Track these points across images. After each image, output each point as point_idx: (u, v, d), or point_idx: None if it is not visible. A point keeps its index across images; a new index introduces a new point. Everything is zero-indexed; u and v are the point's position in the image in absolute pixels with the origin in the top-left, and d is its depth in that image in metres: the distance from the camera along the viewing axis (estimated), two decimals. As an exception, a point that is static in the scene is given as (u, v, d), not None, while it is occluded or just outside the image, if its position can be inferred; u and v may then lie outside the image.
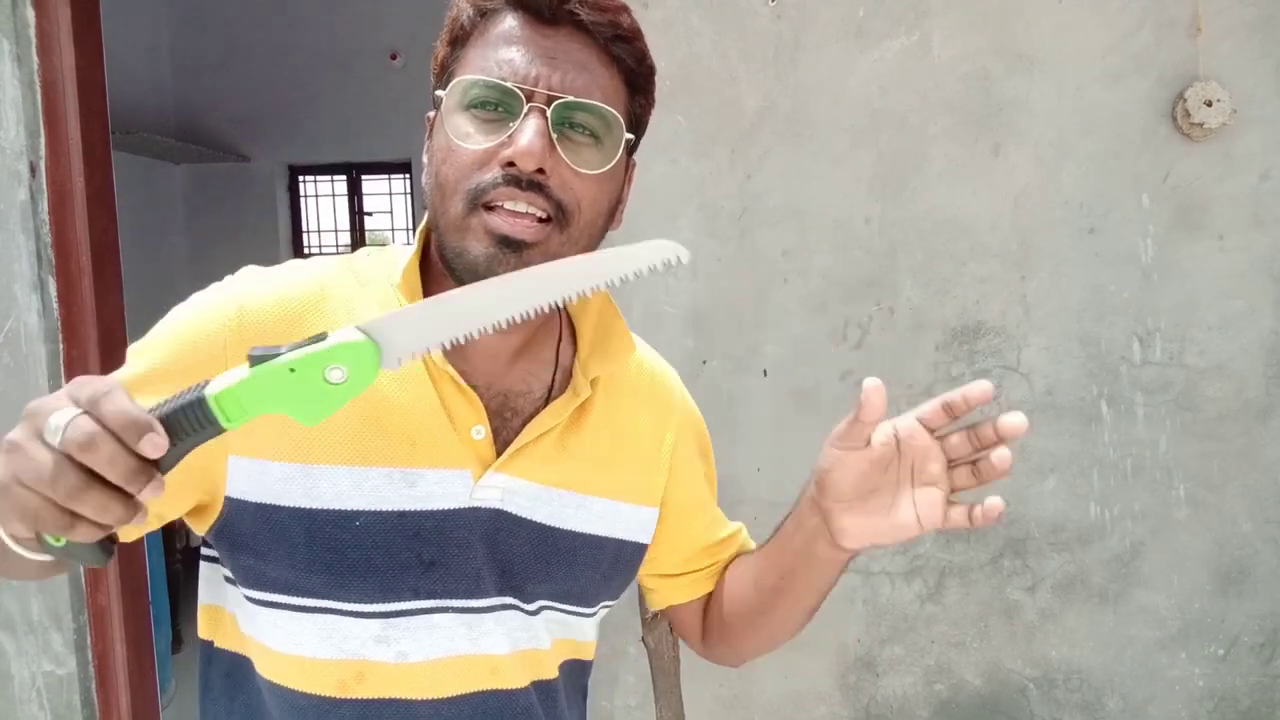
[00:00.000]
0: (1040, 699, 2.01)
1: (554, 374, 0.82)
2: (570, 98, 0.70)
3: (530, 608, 0.80)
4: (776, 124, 1.94)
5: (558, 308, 0.69)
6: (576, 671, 0.88)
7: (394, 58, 5.41)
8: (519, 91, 0.69)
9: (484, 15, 0.73)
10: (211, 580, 0.81)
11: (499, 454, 0.77)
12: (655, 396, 0.89)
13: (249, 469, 0.72)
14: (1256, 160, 1.89)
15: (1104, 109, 1.91)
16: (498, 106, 0.71)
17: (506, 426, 0.79)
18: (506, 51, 0.71)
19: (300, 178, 5.78)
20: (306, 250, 5.84)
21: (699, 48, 1.93)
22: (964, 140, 1.93)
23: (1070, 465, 1.97)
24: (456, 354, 0.76)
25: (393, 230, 5.95)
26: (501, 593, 0.78)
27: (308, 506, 0.72)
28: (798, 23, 1.92)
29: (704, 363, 1.97)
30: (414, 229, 5.91)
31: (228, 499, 0.73)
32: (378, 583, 0.73)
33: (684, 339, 1.96)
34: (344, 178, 5.81)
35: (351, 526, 0.72)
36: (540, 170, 0.69)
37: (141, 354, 0.75)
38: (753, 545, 0.96)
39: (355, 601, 0.73)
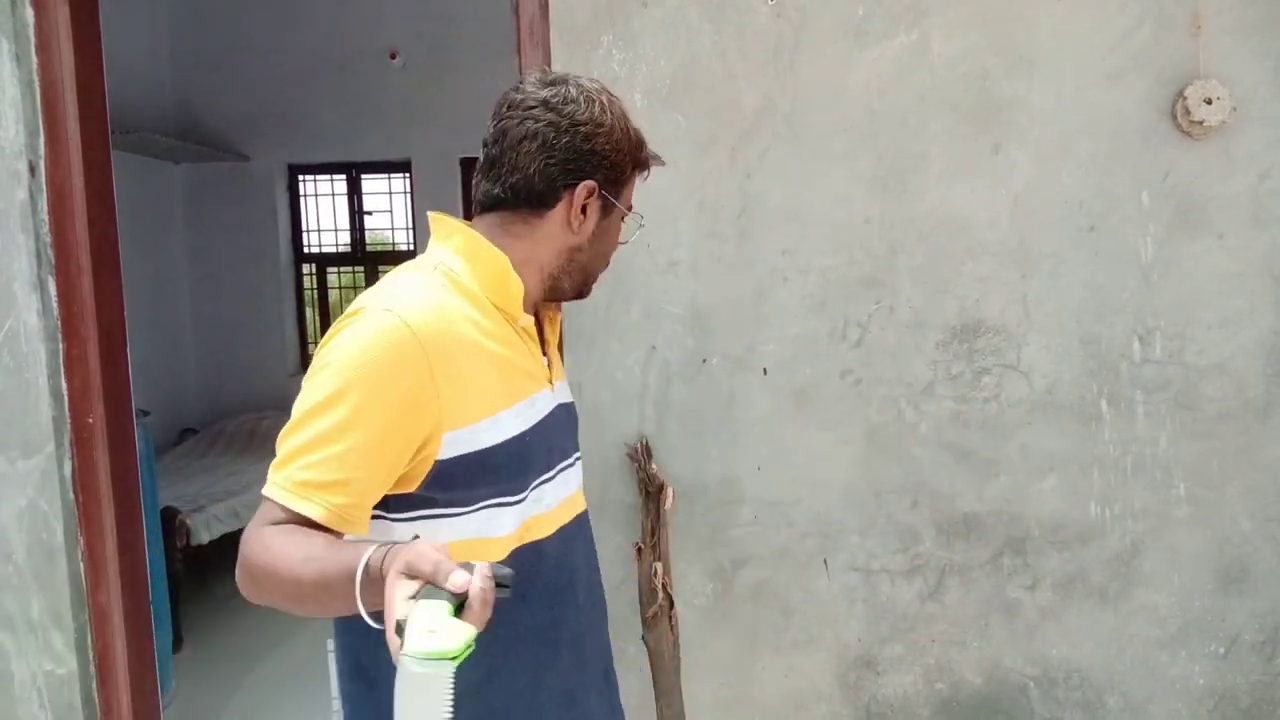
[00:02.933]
0: (1040, 698, 2.01)
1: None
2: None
3: (580, 454, 1.29)
4: (776, 124, 1.94)
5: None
6: (586, 518, 1.32)
7: (394, 57, 5.40)
8: (641, 216, 1.32)
9: (640, 165, 1.26)
10: (389, 531, 1.07)
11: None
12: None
13: (459, 436, 1.04)
14: (1256, 159, 1.89)
15: (1104, 108, 1.91)
16: (633, 222, 1.28)
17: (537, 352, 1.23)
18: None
19: (300, 177, 5.78)
20: (306, 250, 5.84)
21: (698, 47, 1.93)
22: (964, 139, 1.93)
23: (1070, 464, 1.97)
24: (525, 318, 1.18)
25: (392, 229, 5.95)
26: (575, 449, 1.28)
27: (503, 440, 1.09)
28: (797, 22, 1.92)
29: (704, 361, 1.97)
30: (413, 228, 5.84)
31: (438, 462, 1.04)
32: (540, 465, 1.15)
33: (684, 338, 1.97)
34: (344, 177, 5.81)
35: (523, 442, 1.12)
36: None
37: (353, 419, 0.99)
38: None
39: (528, 489, 1.13)
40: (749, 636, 2.04)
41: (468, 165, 5.65)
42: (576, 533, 1.24)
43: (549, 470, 1.17)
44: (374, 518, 1.05)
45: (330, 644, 3.84)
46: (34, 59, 2.01)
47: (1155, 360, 1.94)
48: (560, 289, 1.21)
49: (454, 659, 0.72)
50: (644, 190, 1.96)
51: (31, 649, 2.10)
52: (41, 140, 2.03)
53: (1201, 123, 1.85)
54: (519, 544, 1.12)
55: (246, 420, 5.31)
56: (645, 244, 1.96)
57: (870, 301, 1.96)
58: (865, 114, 1.93)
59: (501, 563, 0.91)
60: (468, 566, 0.81)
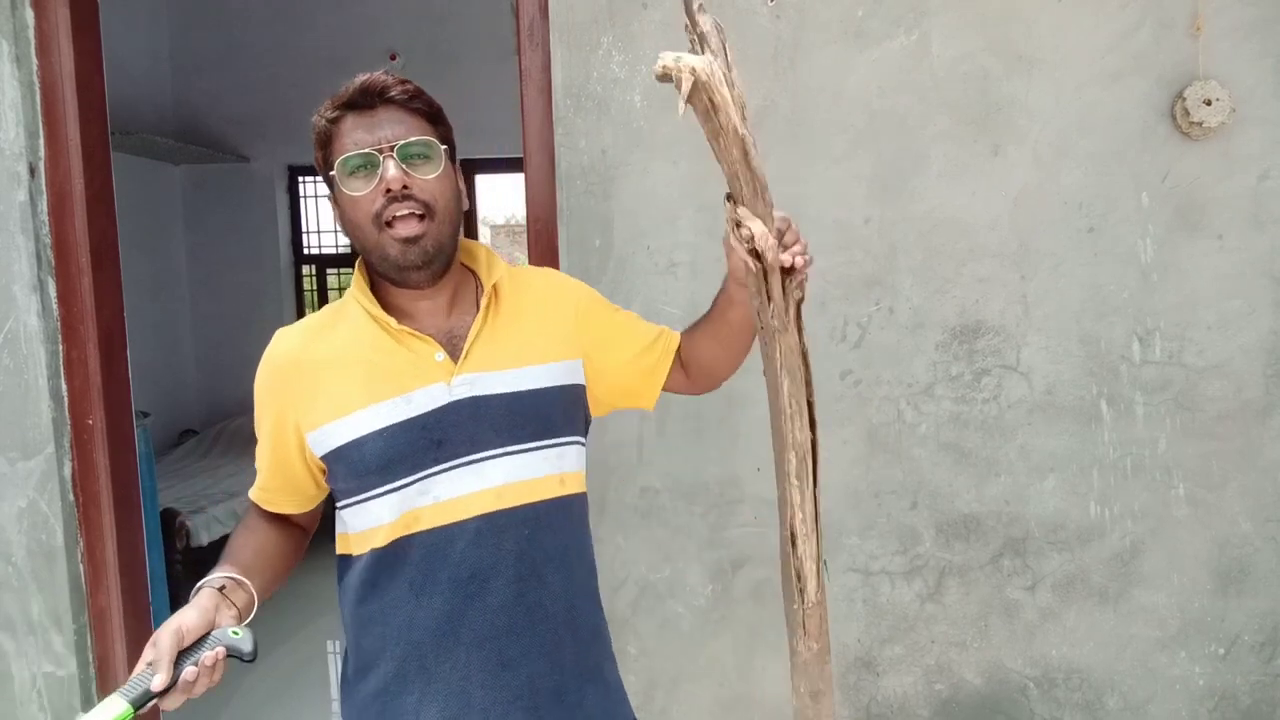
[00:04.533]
0: (1040, 698, 2.01)
1: (477, 310, 1.25)
2: (401, 141, 1.15)
3: (524, 447, 1.20)
4: (776, 124, 1.94)
5: (472, 273, 1.29)
6: (569, 501, 1.24)
7: (394, 58, 5.40)
8: (374, 151, 1.15)
9: (333, 122, 1.19)
10: (339, 518, 1.25)
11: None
12: (550, 286, 1.33)
13: (317, 436, 1.18)
14: (1256, 160, 1.89)
15: (1103, 109, 1.91)
16: (366, 166, 1.15)
17: (456, 348, 1.21)
18: (357, 135, 1.16)
19: (300, 178, 5.78)
20: (306, 250, 5.84)
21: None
22: (963, 140, 1.93)
23: (1070, 464, 1.97)
24: (406, 318, 1.21)
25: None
26: (501, 444, 1.19)
27: (358, 436, 1.16)
28: (797, 23, 1.92)
29: (704, 363, 1.97)
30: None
31: (322, 458, 1.20)
32: (411, 462, 1.16)
33: (684, 339, 1.97)
34: (344, 178, 5.81)
35: (382, 438, 1.16)
36: (405, 186, 1.15)
37: (258, 424, 1.29)
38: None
39: (403, 477, 1.16)
40: (749, 636, 2.04)
41: (467, 166, 5.64)
42: (495, 529, 1.18)
43: (438, 464, 1.16)
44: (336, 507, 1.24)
45: (330, 645, 3.84)
46: (34, 60, 2.01)
47: (1155, 361, 1.94)
48: (379, 270, 1.21)
49: None
50: (644, 190, 1.96)
51: (31, 650, 2.10)
52: (41, 142, 2.03)
53: (1201, 124, 1.85)
54: (403, 534, 1.17)
55: (246, 421, 5.25)
56: (645, 244, 1.96)
57: (870, 302, 1.96)
58: (865, 114, 1.93)
59: (378, 551, 1.18)
60: (199, 644, 1.05)
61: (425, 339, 1.19)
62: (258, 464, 1.29)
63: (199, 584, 1.14)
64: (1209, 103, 1.84)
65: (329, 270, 5.94)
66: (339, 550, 1.27)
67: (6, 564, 2.09)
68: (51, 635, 2.09)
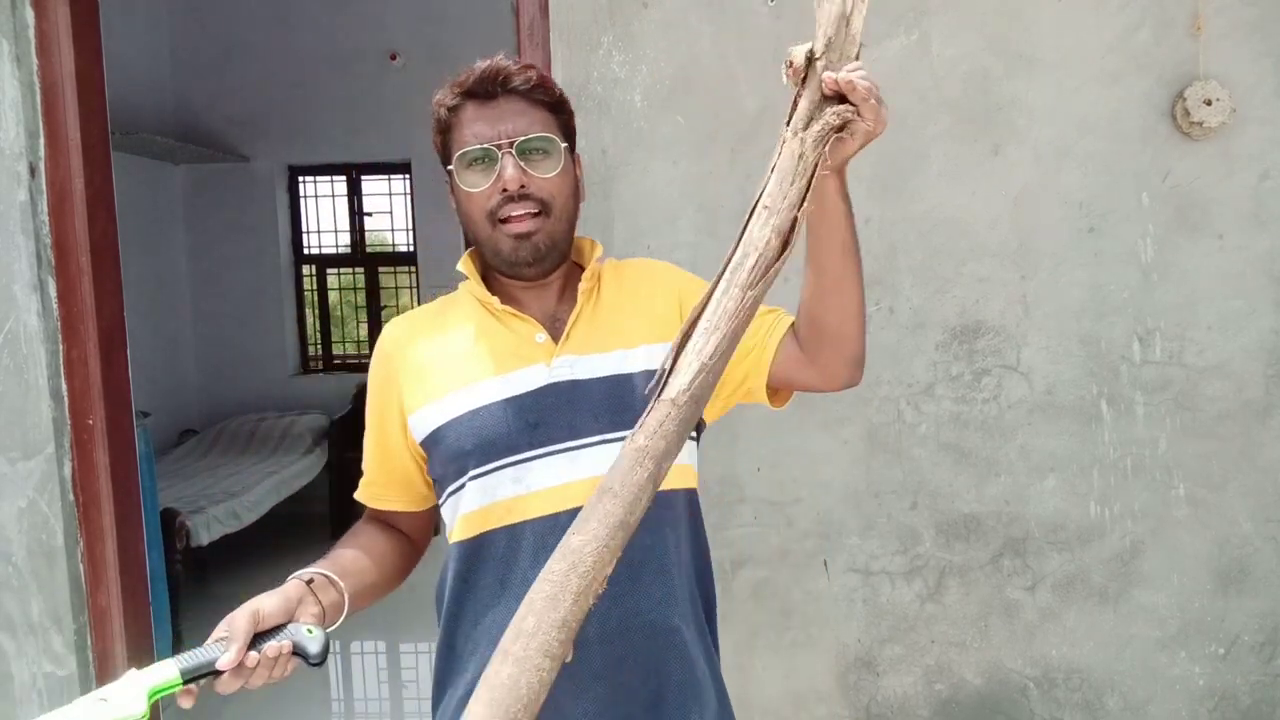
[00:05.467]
0: (1040, 698, 2.01)
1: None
2: (521, 137, 1.11)
3: (624, 435, 1.06)
4: (776, 124, 1.93)
5: (578, 265, 1.26)
6: (674, 498, 1.16)
7: (394, 58, 5.41)
8: (492, 147, 1.11)
9: (452, 110, 1.15)
10: (444, 513, 1.20)
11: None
12: (647, 274, 1.29)
13: (418, 418, 1.16)
14: (1256, 160, 1.89)
15: (1103, 108, 1.91)
16: (484, 159, 1.12)
17: (560, 332, 1.17)
18: (477, 126, 1.12)
19: (300, 178, 5.78)
20: (306, 250, 5.84)
21: (698, 48, 1.93)
22: (963, 140, 1.93)
23: (1070, 464, 1.97)
24: (511, 300, 1.19)
25: (392, 230, 5.95)
26: (600, 431, 1.12)
27: (454, 416, 1.13)
28: (797, 23, 1.92)
29: (704, 363, 1.97)
30: (414, 229, 5.88)
31: (422, 443, 1.16)
32: (505, 445, 1.11)
33: (684, 339, 1.96)
34: (344, 178, 5.82)
35: (478, 418, 1.13)
36: (522, 186, 1.11)
37: (368, 415, 1.25)
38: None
39: (496, 460, 1.11)
40: (749, 636, 2.04)
41: (468, 166, 5.64)
42: None
43: (533, 449, 1.11)
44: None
45: (329, 644, 3.83)
46: (34, 60, 2.01)
47: (1155, 361, 1.94)
48: (491, 264, 1.19)
49: None
50: (644, 190, 1.96)
51: (31, 650, 2.10)
52: (42, 142, 2.03)
53: (1201, 124, 1.85)
54: (495, 525, 1.11)
55: (246, 421, 5.31)
56: (645, 244, 1.96)
57: (870, 302, 1.95)
58: (865, 114, 1.92)
59: (469, 542, 1.13)
60: (272, 633, 1.04)
61: (527, 319, 1.17)
62: (365, 459, 1.25)
63: (291, 575, 1.11)
64: (1209, 103, 1.84)
65: (329, 270, 5.94)
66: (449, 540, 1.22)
67: (6, 564, 2.09)
68: (51, 635, 2.09)
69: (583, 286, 1.19)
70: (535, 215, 1.13)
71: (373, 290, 5.91)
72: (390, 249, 6.05)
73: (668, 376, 0.88)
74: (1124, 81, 1.90)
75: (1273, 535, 1.96)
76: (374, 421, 1.22)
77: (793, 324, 1.23)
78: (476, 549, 1.12)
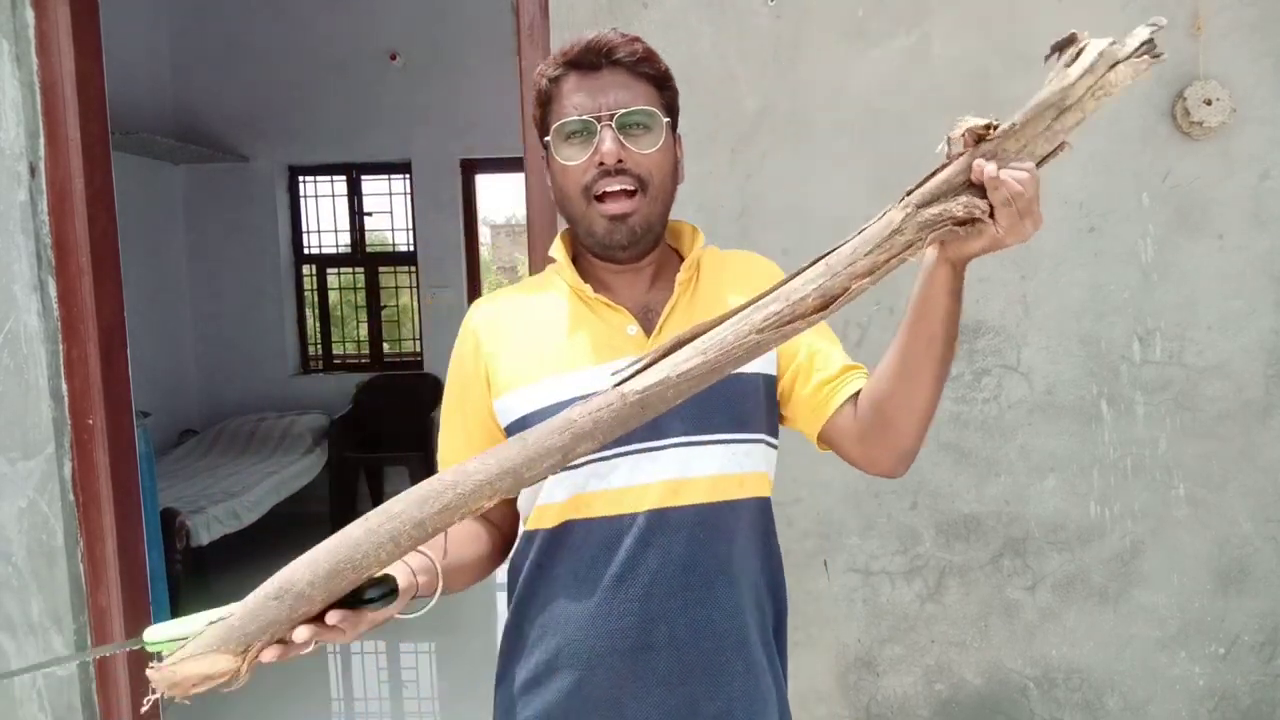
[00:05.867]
0: (1040, 698, 2.01)
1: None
2: (622, 110, 1.08)
3: (709, 438, 1.10)
4: (776, 124, 1.94)
5: (675, 251, 1.22)
6: (749, 506, 1.13)
7: (394, 58, 5.41)
8: (591, 119, 1.08)
9: (554, 80, 1.12)
10: (521, 499, 1.17)
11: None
12: (750, 270, 1.22)
13: (504, 403, 1.13)
14: (1256, 160, 1.89)
15: (1103, 108, 1.90)
16: (583, 132, 1.09)
17: (652, 324, 1.14)
18: (577, 98, 1.09)
19: (300, 178, 5.78)
20: (306, 250, 5.84)
21: (698, 48, 1.93)
22: (964, 140, 1.92)
23: (1070, 464, 1.97)
24: (603, 288, 1.15)
25: (392, 230, 5.95)
26: (684, 433, 1.09)
27: (541, 406, 1.09)
28: (797, 23, 1.92)
29: (704, 363, 1.97)
30: (414, 229, 5.88)
31: (506, 429, 1.13)
32: None
33: (684, 339, 1.97)
34: (344, 178, 5.81)
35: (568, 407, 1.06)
36: (620, 160, 1.08)
37: (445, 396, 1.24)
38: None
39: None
40: (749, 637, 2.04)
41: (467, 166, 5.65)
42: (665, 527, 1.08)
43: (616, 446, 1.05)
44: None
45: (329, 645, 3.82)
46: (34, 60, 2.01)
47: (1155, 361, 1.94)
48: (584, 244, 1.15)
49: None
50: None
51: (31, 650, 2.10)
52: (41, 141, 2.03)
53: (1201, 123, 1.85)
54: (571, 517, 1.10)
55: (246, 421, 5.31)
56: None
57: (870, 302, 1.96)
58: (865, 114, 1.93)
59: (546, 532, 1.12)
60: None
61: (619, 310, 1.14)
62: (442, 445, 1.21)
63: None
64: (1209, 102, 1.84)
65: (329, 270, 5.94)
66: (524, 525, 1.20)
67: (6, 564, 2.09)
68: (51, 635, 2.09)
69: (681, 277, 1.15)
70: (631, 194, 1.09)
71: (373, 290, 5.91)
72: (390, 249, 6.05)
73: (637, 371, 0.87)
74: (1124, 81, 1.90)
75: (1273, 535, 1.96)
76: (455, 405, 1.20)
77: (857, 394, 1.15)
78: (553, 539, 1.11)
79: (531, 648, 1.13)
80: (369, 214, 5.91)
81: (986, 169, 0.88)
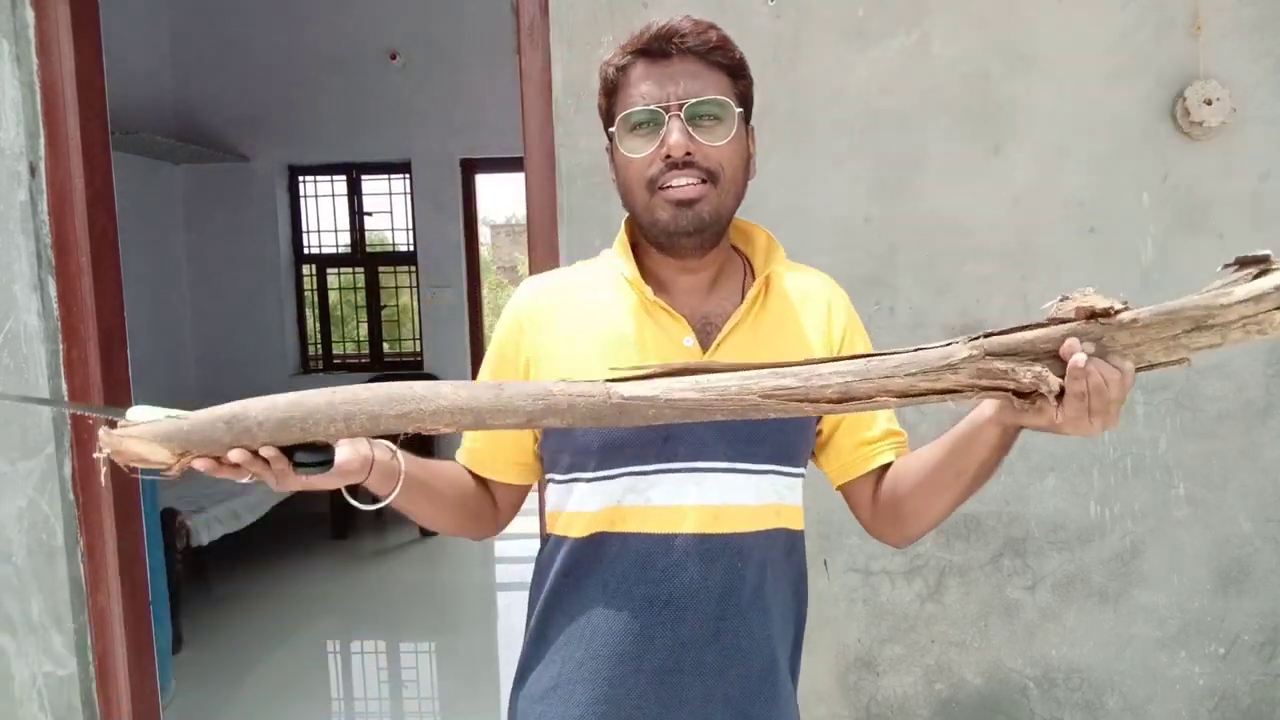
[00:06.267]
0: (1040, 698, 2.01)
1: (741, 297, 1.12)
2: (692, 100, 1.02)
3: (757, 468, 1.07)
4: (776, 124, 1.94)
5: (743, 262, 1.16)
6: (787, 537, 1.11)
7: (394, 58, 5.41)
8: (659, 109, 1.02)
9: (622, 69, 1.06)
10: (547, 495, 1.16)
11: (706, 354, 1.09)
12: (821, 296, 1.17)
13: None
14: (1256, 160, 1.89)
15: (1104, 108, 1.91)
16: (649, 123, 1.03)
17: (710, 335, 1.09)
18: (644, 87, 1.04)
19: (300, 178, 5.78)
20: (306, 250, 5.84)
21: (699, 47, 1.93)
22: (964, 140, 1.93)
23: (1070, 464, 1.97)
24: (664, 295, 1.09)
25: (392, 230, 5.95)
26: (730, 458, 1.05)
27: None
28: (797, 22, 1.92)
29: (704, 362, 1.97)
30: (414, 228, 5.87)
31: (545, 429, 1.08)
32: (631, 453, 1.05)
33: (684, 339, 1.97)
34: (344, 178, 5.82)
35: None
36: (688, 154, 1.01)
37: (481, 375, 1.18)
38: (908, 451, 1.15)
39: (619, 466, 1.05)
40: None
41: (467, 166, 5.65)
42: (705, 553, 1.05)
43: (659, 462, 1.05)
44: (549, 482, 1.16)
45: (330, 645, 3.81)
46: (34, 60, 2.01)
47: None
48: (646, 235, 1.09)
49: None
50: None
51: (31, 650, 2.10)
52: (42, 141, 2.03)
53: (1201, 123, 1.85)
54: (606, 529, 1.07)
55: (246, 421, 5.30)
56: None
57: (870, 301, 1.96)
58: (865, 114, 1.93)
59: (577, 541, 1.09)
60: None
61: (678, 318, 1.08)
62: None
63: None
64: (1209, 102, 1.84)
65: (329, 270, 5.94)
66: (543, 529, 1.18)
67: (6, 564, 2.09)
68: (51, 635, 2.09)
69: (751, 293, 1.10)
70: (701, 183, 1.03)
71: (373, 290, 5.91)
72: (390, 249, 6.05)
73: (633, 378, 0.87)
74: (1124, 81, 1.90)
75: (1273, 535, 1.96)
76: (497, 369, 1.15)
77: (888, 464, 1.13)
78: (584, 549, 1.08)
79: (554, 655, 1.11)
80: (369, 214, 5.91)
81: (1076, 355, 0.79)
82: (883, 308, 1.96)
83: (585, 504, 1.08)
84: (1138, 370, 0.80)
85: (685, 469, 1.05)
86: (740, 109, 1.07)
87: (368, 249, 5.97)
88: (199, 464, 0.88)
